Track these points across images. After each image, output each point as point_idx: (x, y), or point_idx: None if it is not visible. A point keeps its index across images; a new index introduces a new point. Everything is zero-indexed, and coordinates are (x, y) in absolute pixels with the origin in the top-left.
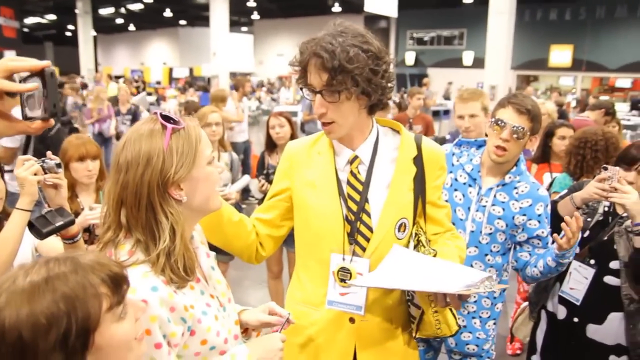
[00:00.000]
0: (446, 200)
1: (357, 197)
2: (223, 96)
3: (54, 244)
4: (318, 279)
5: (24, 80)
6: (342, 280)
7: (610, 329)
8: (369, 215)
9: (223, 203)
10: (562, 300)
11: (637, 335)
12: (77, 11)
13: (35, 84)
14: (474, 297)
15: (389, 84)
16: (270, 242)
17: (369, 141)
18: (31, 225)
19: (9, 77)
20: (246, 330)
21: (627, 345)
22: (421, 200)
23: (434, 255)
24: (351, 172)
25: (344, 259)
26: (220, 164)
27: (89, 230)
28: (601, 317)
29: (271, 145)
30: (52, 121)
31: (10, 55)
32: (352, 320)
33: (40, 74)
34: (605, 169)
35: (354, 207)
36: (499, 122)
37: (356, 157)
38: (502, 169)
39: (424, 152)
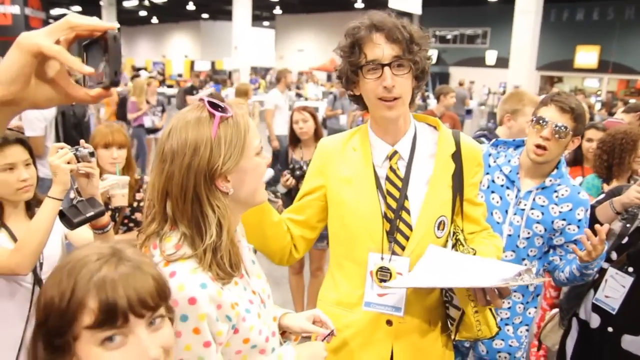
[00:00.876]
0: None
1: (396, 193)
2: (246, 90)
3: (84, 234)
4: (354, 280)
5: (85, 46)
6: (382, 281)
7: None
8: (408, 212)
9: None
10: (596, 308)
11: None
12: (101, 3)
13: (91, 69)
14: (508, 302)
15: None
16: (303, 243)
17: (408, 135)
18: (62, 215)
19: (71, 41)
20: (284, 333)
21: None
22: (459, 198)
23: (473, 254)
24: (390, 167)
25: (382, 258)
26: None
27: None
28: (638, 328)
29: (295, 140)
30: (113, 90)
31: None
32: (389, 322)
33: (101, 38)
34: None
35: (394, 204)
36: (541, 121)
37: (395, 152)
38: (541, 171)
39: (463, 148)
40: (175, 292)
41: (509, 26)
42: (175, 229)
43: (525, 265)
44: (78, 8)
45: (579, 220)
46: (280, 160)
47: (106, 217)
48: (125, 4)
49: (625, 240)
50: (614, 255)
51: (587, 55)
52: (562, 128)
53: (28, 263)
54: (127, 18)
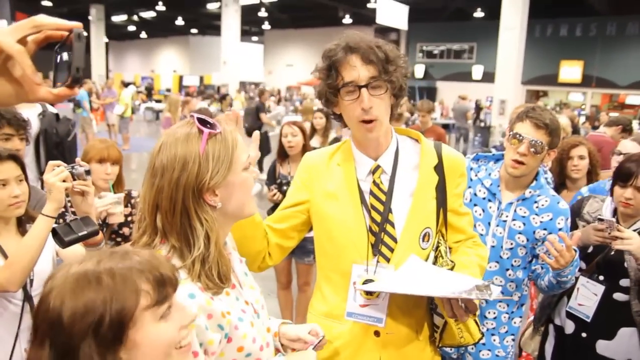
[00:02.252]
0: None
1: (380, 207)
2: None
3: (76, 251)
4: (341, 291)
5: (57, 50)
6: (368, 293)
7: (620, 345)
8: (392, 225)
9: None
10: (570, 316)
11: None
12: (90, 18)
13: (37, 77)
14: (494, 313)
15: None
16: (278, 251)
17: (390, 150)
18: (54, 233)
19: (41, 41)
20: (282, 346)
21: None
22: (443, 209)
23: (452, 267)
24: (374, 182)
25: (367, 271)
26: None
27: (104, 222)
28: (611, 333)
29: (283, 155)
30: (76, 90)
31: None
32: (377, 333)
33: (68, 38)
34: (601, 220)
35: (378, 218)
36: (517, 136)
37: (378, 166)
38: (521, 183)
39: (445, 159)
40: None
41: (494, 41)
42: (165, 242)
43: (488, 282)
44: None
45: (560, 229)
46: (268, 174)
47: (100, 235)
48: (114, 19)
49: (591, 249)
50: (583, 265)
51: (571, 70)
52: (538, 143)
53: (18, 280)
54: (116, 33)
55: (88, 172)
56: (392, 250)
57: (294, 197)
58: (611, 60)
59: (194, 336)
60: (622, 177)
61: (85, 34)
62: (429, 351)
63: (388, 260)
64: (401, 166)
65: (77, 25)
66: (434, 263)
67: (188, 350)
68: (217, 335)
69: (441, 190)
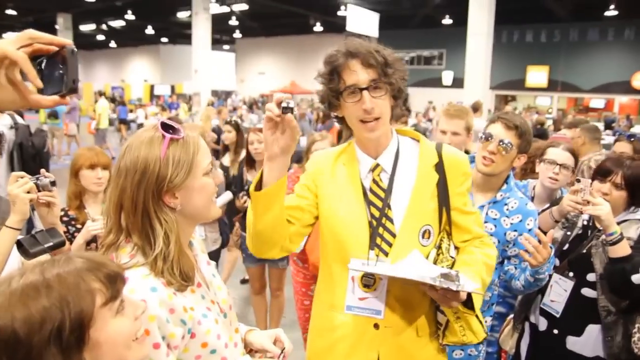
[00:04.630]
0: None
1: (379, 203)
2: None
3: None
4: (342, 283)
5: (39, 61)
6: (366, 285)
7: (588, 341)
8: (391, 221)
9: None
10: (543, 312)
11: (615, 347)
12: (57, 27)
13: (40, 83)
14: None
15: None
16: (297, 238)
17: (390, 149)
18: (19, 245)
19: (28, 54)
20: (250, 352)
21: (605, 357)
22: (445, 207)
23: (452, 263)
24: (373, 179)
25: (364, 264)
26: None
27: (95, 241)
28: (580, 329)
29: (250, 161)
30: (68, 99)
31: None
32: (376, 326)
33: (57, 53)
34: (579, 181)
35: (377, 214)
36: (488, 136)
37: (377, 165)
38: (491, 186)
39: (445, 158)
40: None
41: (463, 48)
42: (130, 240)
43: (453, 271)
44: None
45: (529, 230)
46: (235, 181)
47: (66, 247)
48: (82, 28)
49: (566, 247)
50: (556, 262)
51: (537, 74)
52: (508, 144)
53: None
54: (84, 42)
55: (53, 183)
56: (390, 245)
57: (304, 192)
58: (575, 65)
59: (155, 328)
60: (602, 173)
61: (75, 49)
62: (432, 349)
63: (386, 254)
64: (401, 165)
65: (68, 42)
66: (435, 260)
67: (144, 340)
68: (180, 329)
69: (442, 188)
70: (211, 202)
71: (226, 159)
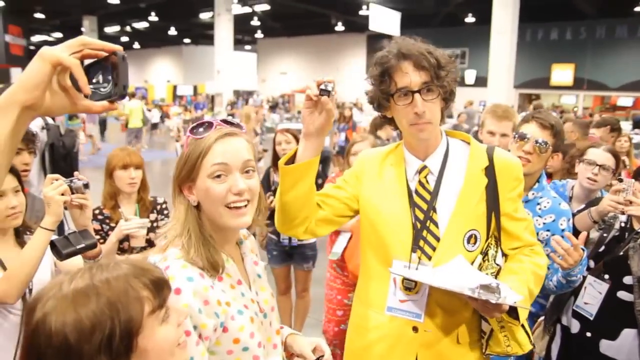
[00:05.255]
0: None
1: (424, 206)
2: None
3: (74, 263)
4: (383, 283)
5: (89, 66)
6: (407, 288)
7: (623, 346)
8: (436, 224)
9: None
10: (576, 315)
11: None
12: (83, 29)
13: (89, 90)
14: None
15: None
16: (324, 225)
17: (438, 151)
18: (52, 245)
19: (81, 56)
20: (291, 356)
21: None
22: (495, 212)
23: (497, 271)
24: (419, 182)
25: (406, 267)
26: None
27: (127, 239)
28: (614, 333)
29: (277, 162)
30: (117, 104)
31: (16, 72)
32: (415, 329)
33: (106, 59)
34: (621, 180)
35: (421, 216)
36: (522, 136)
37: (425, 167)
38: (525, 185)
39: (496, 162)
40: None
41: (486, 46)
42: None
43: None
44: (59, 35)
45: (562, 230)
46: (262, 182)
47: (98, 249)
48: (107, 30)
49: (602, 248)
50: (591, 264)
51: (562, 73)
52: (543, 144)
53: (16, 292)
54: None
55: (86, 186)
56: (434, 248)
57: (346, 185)
58: (601, 62)
59: (187, 318)
60: None
61: (126, 55)
62: (472, 358)
63: (429, 258)
64: (449, 167)
65: (119, 48)
66: (480, 267)
67: (185, 345)
68: (212, 321)
69: (492, 193)
70: (222, 209)
71: None
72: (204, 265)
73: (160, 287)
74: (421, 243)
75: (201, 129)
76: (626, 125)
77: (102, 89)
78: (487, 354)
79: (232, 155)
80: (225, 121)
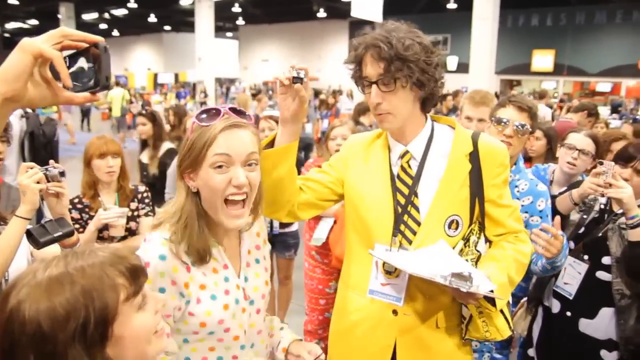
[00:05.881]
0: None
1: (405, 190)
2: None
3: (51, 251)
4: (365, 266)
5: (70, 57)
6: (387, 272)
7: (601, 324)
8: (417, 209)
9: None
10: (557, 295)
11: (628, 331)
12: (59, 16)
13: (70, 82)
14: None
15: (441, 80)
16: (307, 208)
17: (421, 136)
18: (29, 234)
19: (63, 47)
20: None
21: (617, 340)
22: (478, 198)
23: (477, 258)
24: (401, 166)
25: (389, 250)
26: None
27: (106, 228)
28: (593, 312)
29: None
30: (98, 95)
31: None
32: (395, 312)
33: (87, 50)
34: (601, 163)
35: (402, 201)
36: (501, 121)
37: (407, 151)
38: None
39: (481, 148)
40: (141, 250)
41: (468, 32)
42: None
43: (469, 273)
44: (35, 22)
45: (541, 211)
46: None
47: (75, 237)
48: (85, 17)
49: (582, 230)
50: (571, 245)
51: (543, 58)
52: (521, 126)
53: None
54: (87, 31)
55: (62, 174)
56: (414, 233)
57: (332, 169)
58: (581, 48)
59: (147, 289)
60: (623, 158)
61: (107, 46)
62: (451, 342)
63: (410, 242)
64: (432, 153)
65: (100, 39)
66: (460, 252)
67: (163, 334)
68: (174, 301)
69: (476, 178)
70: (219, 205)
71: (145, 156)
72: (189, 252)
73: (136, 274)
74: (402, 227)
75: (206, 116)
76: (605, 111)
77: (84, 80)
78: (467, 339)
79: (236, 147)
80: (233, 110)
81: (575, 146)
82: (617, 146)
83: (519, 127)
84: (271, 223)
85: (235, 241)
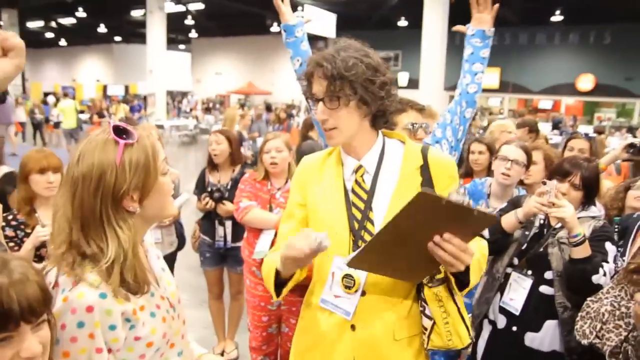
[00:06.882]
0: None
1: (361, 205)
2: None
3: None
4: (323, 280)
5: None
6: (347, 287)
7: (546, 336)
8: (372, 223)
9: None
10: (502, 310)
11: (572, 342)
12: (1, 23)
13: None
14: None
15: (389, 97)
16: None
17: (373, 151)
18: None
19: None
20: None
21: (562, 351)
22: None
23: None
24: (355, 181)
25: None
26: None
27: (44, 246)
28: (538, 325)
29: (212, 163)
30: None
31: None
32: (353, 327)
33: None
34: (544, 183)
35: (358, 215)
36: (412, 125)
37: (360, 166)
38: None
39: (430, 161)
40: (74, 300)
41: (418, 49)
42: (84, 248)
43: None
44: None
45: None
46: (197, 183)
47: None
48: (30, 25)
49: (525, 246)
50: (515, 261)
51: (489, 76)
52: (420, 125)
53: None
54: (32, 40)
55: None
56: None
57: (295, 198)
58: (525, 67)
59: (100, 333)
60: (560, 173)
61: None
62: (409, 354)
63: None
64: (385, 167)
65: (18, 41)
66: None
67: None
68: (123, 332)
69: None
70: (168, 201)
71: None
72: (130, 288)
73: (5, 317)
74: (360, 243)
75: (125, 134)
76: (547, 127)
77: None
78: (429, 349)
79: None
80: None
81: (507, 157)
82: (475, 147)
83: (417, 126)
84: (224, 236)
85: (144, 253)
